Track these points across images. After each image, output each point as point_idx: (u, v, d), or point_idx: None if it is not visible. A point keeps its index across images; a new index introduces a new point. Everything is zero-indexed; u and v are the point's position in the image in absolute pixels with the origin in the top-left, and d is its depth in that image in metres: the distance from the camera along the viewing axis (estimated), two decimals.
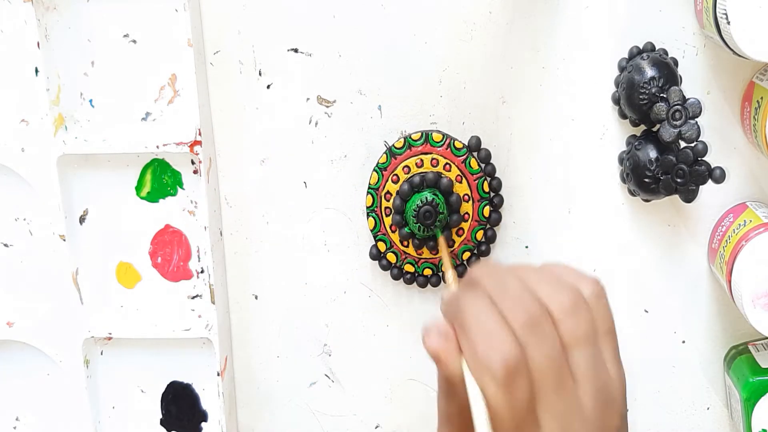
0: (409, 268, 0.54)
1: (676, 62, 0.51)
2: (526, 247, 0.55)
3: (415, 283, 0.55)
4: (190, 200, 0.56)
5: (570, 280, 0.38)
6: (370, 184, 0.54)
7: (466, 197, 0.53)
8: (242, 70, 0.55)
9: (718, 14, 0.45)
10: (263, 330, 0.58)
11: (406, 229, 0.52)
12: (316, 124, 0.55)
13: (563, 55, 0.52)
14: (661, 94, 0.49)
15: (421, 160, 0.53)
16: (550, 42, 0.52)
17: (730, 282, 0.49)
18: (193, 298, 0.58)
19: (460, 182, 0.53)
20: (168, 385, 0.59)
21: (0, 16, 0.54)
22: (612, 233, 0.54)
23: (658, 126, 0.49)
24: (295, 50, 0.54)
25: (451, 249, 0.54)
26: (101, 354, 0.59)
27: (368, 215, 0.54)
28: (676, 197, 0.51)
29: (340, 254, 0.56)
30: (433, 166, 0.53)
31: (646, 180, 0.50)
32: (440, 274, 0.55)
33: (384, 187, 0.53)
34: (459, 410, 0.37)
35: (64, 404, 0.59)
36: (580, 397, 0.36)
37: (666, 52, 0.51)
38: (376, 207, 0.54)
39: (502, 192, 0.54)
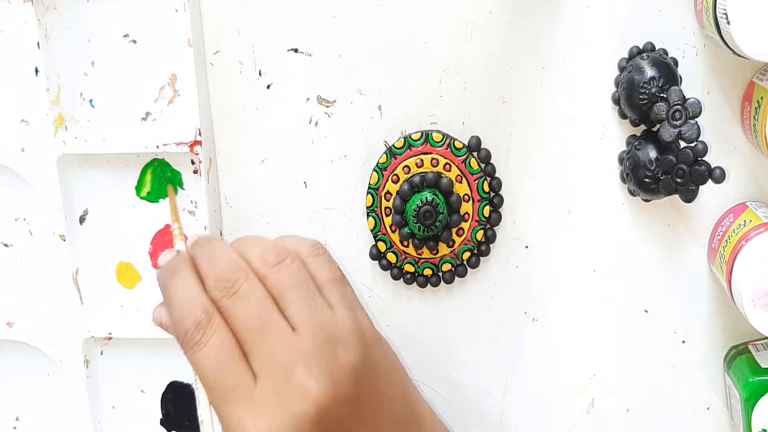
0: (409, 268, 0.54)
1: (676, 62, 0.51)
2: (526, 247, 0.55)
3: (415, 283, 0.55)
4: (190, 200, 0.56)
5: (286, 244, 0.40)
6: (370, 184, 0.54)
7: (466, 197, 0.53)
8: (242, 70, 0.55)
9: (718, 14, 0.45)
10: None
11: (406, 229, 0.52)
12: (316, 124, 0.55)
13: (563, 55, 0.52)
14: (661, 94, 0.49)
15: (421, 160, 0.53)
16: (550, 42, 0.52)
17: (730, 282, 0.49)
18: None
19: (460, 182, 0.53)
20: (168, 385, 0.59)
21: (0, 16, 0.54)
22: (612, 233, 0.54)
23: (658, 126, 0.49)
24: (295, 50, 0.54)
25: (452, 249, 0.54)
26: (101, 354, 0.59)
27: (368, 215, 0.54)
28: (676, 197, 0.51)
29: (340, 254, 0.56)
30: (433, 166, 0.53)
31: (646, 180, 0.50)
32: (439, 274, 0.55)
33: (384, 187, 0.53)
34: None
35: (64, 404, 0.59)
36: (297, 338, 0.37)
37: (666, 52, 0.51)
38: (376, 207, 0.54)
39: (502, 192, 0.54)
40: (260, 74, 0.55)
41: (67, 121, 0.55)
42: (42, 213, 0.56)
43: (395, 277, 0.55)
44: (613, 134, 0.53)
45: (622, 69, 0.52)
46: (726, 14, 0.44)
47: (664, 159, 0.49)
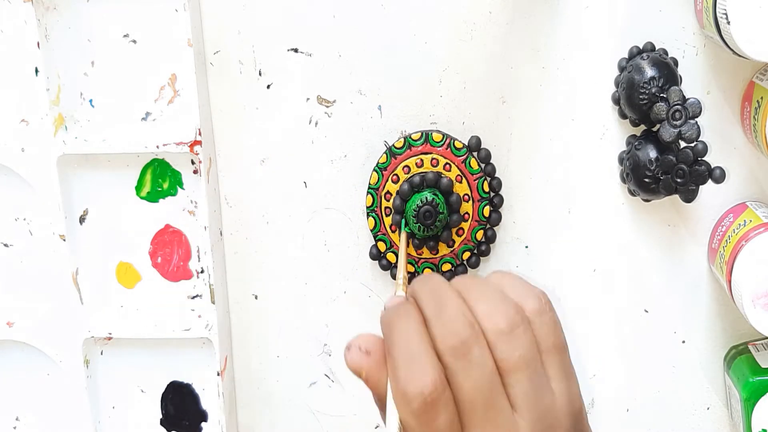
0: (409, 268, 0.54)
1: (676, 62, 0.51)
2: (526, 247, 0.55)
3: None
4: (190, 200, 0.56)
5: (513, 295, 0.37)
6: (370, 184, 0.54)
7: (466, 197, 0.53)
8: (242, 70, 0.55)
9: (718, 14, 0.45)
10: (263, 330, 0.58)
11: (406, 229, 0.52)
12: (316, 124, 0.55)
13: (563, 55, 0.52)
14: (661, 94, 0.49)
15: (421, 160, 0.53)
16: (550, 42, 0.52)
17: (730, 282, 0.49)
18: (193, 298, 0.58)
19: (460, 182, 0.53)
20: (168, 385, 0.59)
21: (0, 16, 0.54)
22: (612, 233, 0.54)
23: (658, 126, 0.49)
24: (295, 50, 0.54)
25: (451, 249, 0.54)
26: (101, 354, 0.59)
27: (368, 215, 0.54)
28: (676, 197, 0.51)
29: (340, 254, 0.56)
30: (433, 166, 0.53)
31: (646, 180, 0.50)
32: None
33: (384, 187, 0.53)
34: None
35: (64, 404, 0.59)
36: (518, 423, 0.35)
37: (666, 52, 0.51)
38: (376, 207, 0.54)
39: (502, 192, 0.54)
40: (260, 74, 0.55)
41: (67, 121, 0.55)
42: (42, 213, 0.56)
43: (395, 277, 0.55)
44: (613, 134, 0.53)
45: (622, 69, 0.52)
46: (726, 14, 0.44)
47: (664, 159, 0.49)
